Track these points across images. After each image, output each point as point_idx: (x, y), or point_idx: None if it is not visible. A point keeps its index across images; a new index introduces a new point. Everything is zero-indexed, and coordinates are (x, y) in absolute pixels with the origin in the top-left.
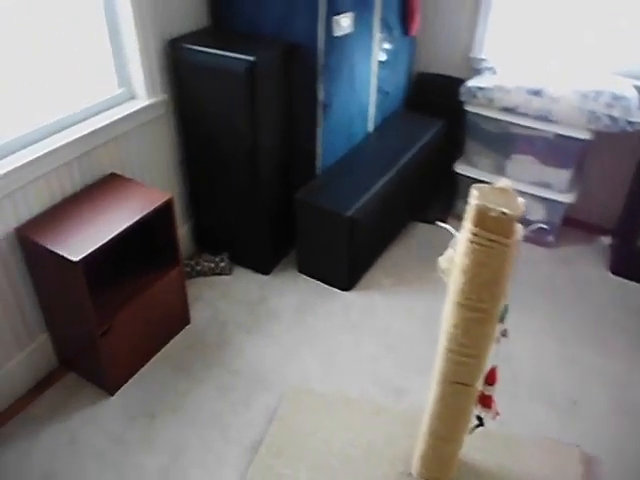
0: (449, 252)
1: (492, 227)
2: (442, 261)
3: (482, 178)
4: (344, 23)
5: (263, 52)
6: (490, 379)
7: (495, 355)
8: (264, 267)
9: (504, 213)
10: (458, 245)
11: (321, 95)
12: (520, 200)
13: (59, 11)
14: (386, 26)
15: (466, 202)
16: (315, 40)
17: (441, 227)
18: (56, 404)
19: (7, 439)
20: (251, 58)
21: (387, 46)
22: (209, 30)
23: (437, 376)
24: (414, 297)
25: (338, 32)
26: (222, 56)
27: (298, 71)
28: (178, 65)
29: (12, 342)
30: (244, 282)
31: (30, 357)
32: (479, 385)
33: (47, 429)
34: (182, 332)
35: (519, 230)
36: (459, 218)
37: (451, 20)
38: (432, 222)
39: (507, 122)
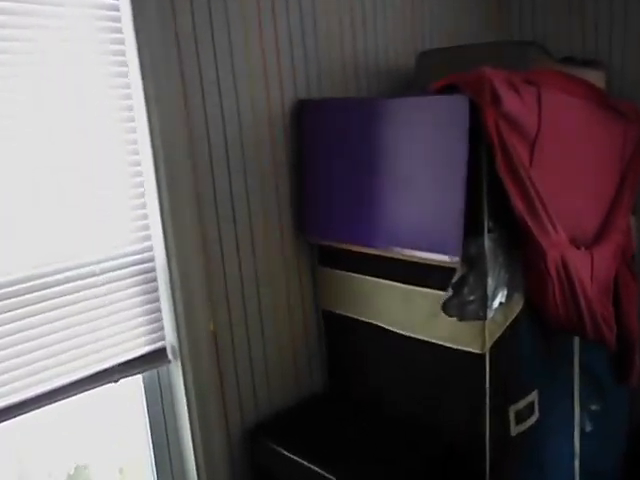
0: None
1: None
2: None
3: None
4: (526, 411)
5: (395, 468)
6: None
7: None
8: None
9: None
10: None
11: None
12: None
13: None
14: (590, 378)
15: None
16: (482, 441)
17: None
18: None
19: None
20: None
21: (594, 407)
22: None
23: None
24: None
25: (515, 430)
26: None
27: None
28: None
29: None
30: None
31: None
32: None
33: None
34: None
35: None
36: None
37: None
38: None
39: None
